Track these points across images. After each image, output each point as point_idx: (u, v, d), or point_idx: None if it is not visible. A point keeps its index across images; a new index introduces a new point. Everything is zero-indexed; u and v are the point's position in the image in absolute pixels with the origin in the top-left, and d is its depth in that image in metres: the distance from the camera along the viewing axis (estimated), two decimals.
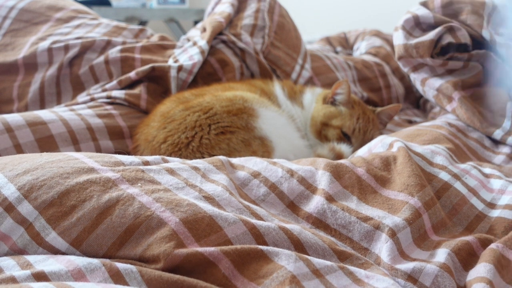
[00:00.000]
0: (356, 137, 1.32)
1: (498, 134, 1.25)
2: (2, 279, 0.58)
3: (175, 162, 0.84)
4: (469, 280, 0.71)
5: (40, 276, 0.59)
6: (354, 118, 1.33)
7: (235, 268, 0.62)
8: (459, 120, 1.32)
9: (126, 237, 0.65)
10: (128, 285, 0.59)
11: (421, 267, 0.72)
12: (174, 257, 0.62)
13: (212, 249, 0.63)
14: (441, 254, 0.75)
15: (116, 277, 0.59)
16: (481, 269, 0.71)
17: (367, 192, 0.87)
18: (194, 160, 0.86)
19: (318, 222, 0.81)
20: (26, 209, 0.67)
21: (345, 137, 1.32)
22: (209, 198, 0.74)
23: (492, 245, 0.76)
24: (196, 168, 0.82)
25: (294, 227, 0.72)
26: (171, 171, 0.79)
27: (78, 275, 0.59)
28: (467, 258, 0.76)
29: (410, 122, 1.67)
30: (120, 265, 0.60)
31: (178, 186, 0.75)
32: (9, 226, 0.67)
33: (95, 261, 0.60)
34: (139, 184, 0.72)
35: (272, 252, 0.65)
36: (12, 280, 0.58)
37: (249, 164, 0.90)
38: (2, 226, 0.67)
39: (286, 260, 0.64)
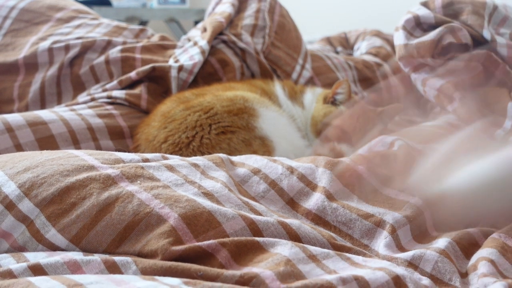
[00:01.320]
0: (356, 135, 1.32)
1: (499, 134, 1.25)
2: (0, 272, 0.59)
3: (174, 159, 0.84)
4: (472, 264, 0.71)
5: (37, 269, 0.59)
6: (354, 118, 1.33)
7: (232, 258, 0.63)
8: (460, 120, 1.32)
9: (126, 234, 0.66)
10: (123, 274, 0.59)
11: (421, 254, 0.72)
12: (172, 252, 0.62)
13: (210, 241, 0.63)
14: (442, 242, 0.75)
15: (112, 268, 0.60)
16: (484, 252, 0.72)
17: (368, 190, 0.87)
18: (193, 157, 0.87)
19: (318, 218, 0.81)
20: (27, 206, 0.68)
21: (345, 136, 1.32)
22: (208, 194, 0.74)
23: (494, 235, 0.76)
24: (195, 165, 0.82)
25: (293, 221, 0.72)
26: (170, 168, 0.79)
27: (74, 266, 0.59)
28: (468, 247, 0.76)
29: (411, 122, 1.66)
30: (116, 257, 0.61)
31: (177, 182, 0.75)
32: (10, 224, 0.67)
33: (92, 255, 0.61)
34: (138, 181, 0.72)
35: (268, 244, 0.65)
36: (10, 274, 0.58)
37: (249, 161, 0.90)
38: (3, 224, 0.67)
39: (281, 248, 0.64)
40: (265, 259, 0.62)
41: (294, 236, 0.70)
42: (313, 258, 0.64)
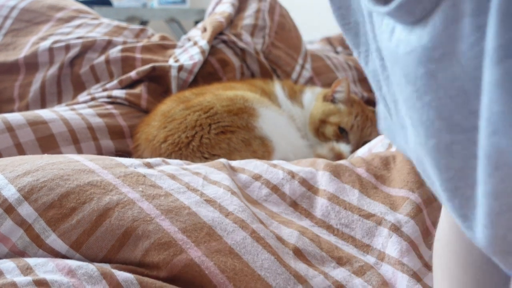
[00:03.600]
0: (354, 133, 1.32)
1: None
2: (3, 284, 0.58)
3: (176, 167, 0.84)
4: None
5: (42, 283, 0.58)
6: (352, 115, 1.33)
7: (230, 283, 0.63)
8: None
9: (125, 239, 0.65)
10: None
11: (426, 272, 0.72)
12: (173, 265, 0.62)
13: (210, 264, 0.63)
14: None
15: None
16: None
17: (368, 187, 0.87)
18: (195, 166, 0.86)
19: (322, 222, 0.81)
20: (26, 210, 0.67)
21: (342, 134, 1.32)
22: (210, 201, 0.74)
23: None
24: (197, 173, 0.82)
25: (292, 234, 0.73)
26: (172, 177, 0.79)
27: (80, 287, 0.59)
28: None
29: None
30: (120, 277, 0.60)
31: (179, 190, 0.75)
32: (8, 228, 0.67)
33: (96, 273, 0.60)
34: (140, 188, 0.72)
35: (270, 277, 0.65)
36: (13, 285, 0.58)
37: (249, 166, 0.90)
38: (2, 228, 0.67)
39: (284, 287, 0.64)
40: None
41: (293, 248, 0.71)
42: None
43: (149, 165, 0.82)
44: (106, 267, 0.62)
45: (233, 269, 0.63)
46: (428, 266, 0.75)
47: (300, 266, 0.68)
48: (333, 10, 0.43)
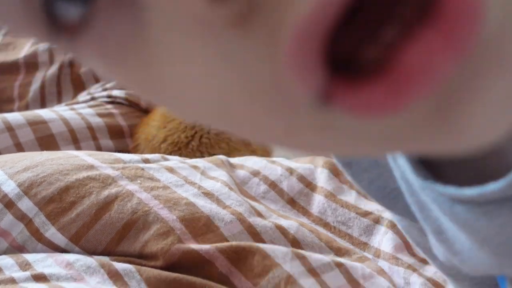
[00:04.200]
0: None
1: None
2: (2, 279, 0.58)
3: (174, 161, 0.84)
4: None
5: (40, 277, 0.59)
6: None
7: (232, 264, 0.63)
8: None
9: (125, 232, 0.66)
10: (127, 284, 0.59)
11: (422, 265, 0.72)
12: (172, 254, 0.63)
13: (207, 247, 0.64)
14: None
15: (115, 278, 0.60)
16: None
17: None
18: (193, 160, 0.87)
19: (318, 220, 0.81)
20: (26, 205, 0.68)
21: None
22: (208, 194, 0.74)
23: None
24: (195, 167, 0.83)
25: (292, 224, 0.73)
26: (170, 170, 0.79)
27: (78, 277, 0.60)
28: None
29: None
30: (118, 266, 0.61)
31: (177, 183, 0.75)
32: (9, 222, 0.67)
33: (94, 263, 0.61)
34: (138, 181, 0.73)
35: (269, 249, 0.65)
36: (12, 281, 0.58)
37: (248, 163, 0.90)
38: (2, 222, 0.67)
39: (282, 259, 0.64)
40: (266, 272, 0.62)
41: (291, 239, 0.71)
42: (312, 272, 0.65)
43: (147, 161, 0.83)
44: (105, 259, 0.63)
45: (234, 251, 0.64)
46: (424, 261, 0.74)
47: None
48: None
